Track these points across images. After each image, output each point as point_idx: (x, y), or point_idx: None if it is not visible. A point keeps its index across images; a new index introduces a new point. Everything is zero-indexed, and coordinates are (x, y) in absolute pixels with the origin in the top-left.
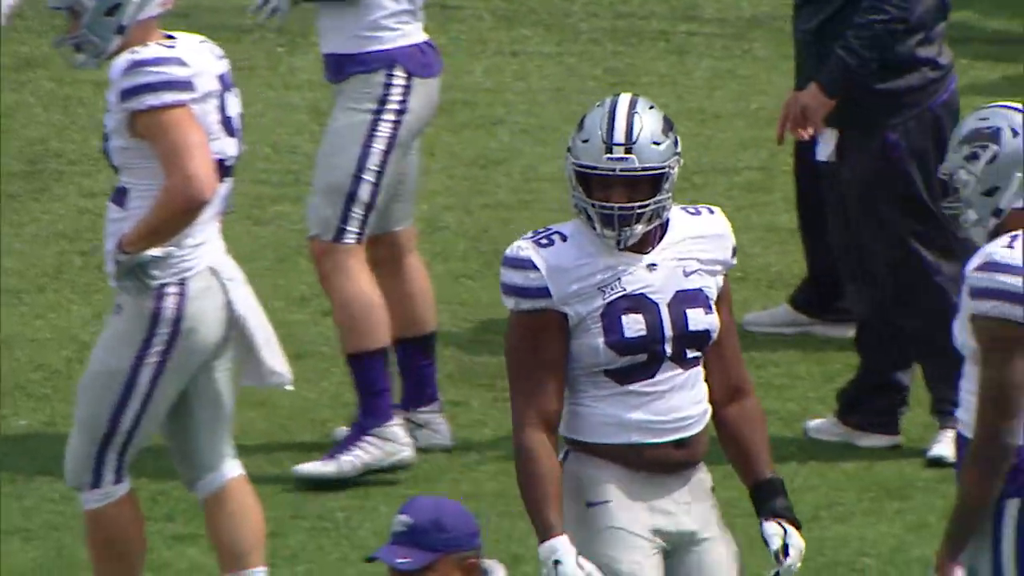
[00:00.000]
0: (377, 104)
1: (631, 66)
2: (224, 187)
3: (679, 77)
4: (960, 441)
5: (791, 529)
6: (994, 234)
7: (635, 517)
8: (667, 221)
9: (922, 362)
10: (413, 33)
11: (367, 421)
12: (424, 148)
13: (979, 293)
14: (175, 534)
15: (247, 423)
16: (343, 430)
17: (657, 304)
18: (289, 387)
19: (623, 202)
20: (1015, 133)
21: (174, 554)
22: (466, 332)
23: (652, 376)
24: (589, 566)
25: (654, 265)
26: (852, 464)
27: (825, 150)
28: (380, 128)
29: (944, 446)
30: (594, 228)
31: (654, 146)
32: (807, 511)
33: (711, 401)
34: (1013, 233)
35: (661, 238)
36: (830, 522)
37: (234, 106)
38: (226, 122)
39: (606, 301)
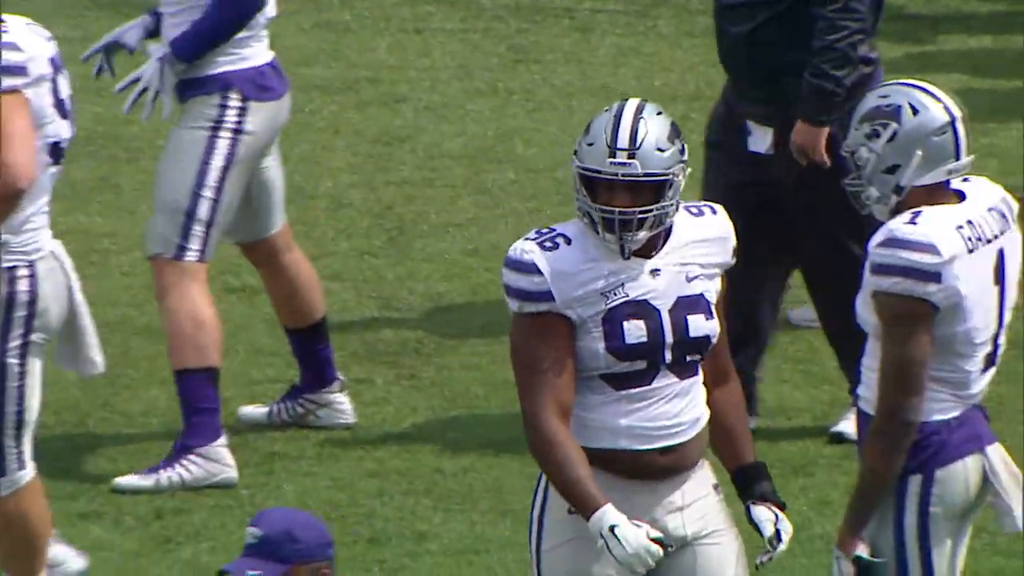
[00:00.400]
0: (213, 123)
1: (535, 43)
2: (57, 169)
3: (583, 54)
4: (861, 418)
5: (781, 514)
6: (896, 211)
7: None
8: (671, 224)
9: (839, 344)
10: (253, 56)
11: (191, 440)
12: (328, 126)
13: (881, 269)
14: (79, 512)
15: (150, 401)
16: (248, 409)
17: (659, 310)
18: (100, 373)
19: (625, 207)
20: (915, 111)
21: (78, 531)
22: (370, 309)
23: (648, 383)
24: (645, 525)
25: (657, 271)
26: (756, 442)
27: (760, 142)
28: (217, 146)
29: (848, 423)
30: (597, 232)
31: (658, 152)
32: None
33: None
34: (915, 209)
35: (665, 242)
36: (733, 499)
37: (65, 88)
38: (59, 104)
39: (608, 306)
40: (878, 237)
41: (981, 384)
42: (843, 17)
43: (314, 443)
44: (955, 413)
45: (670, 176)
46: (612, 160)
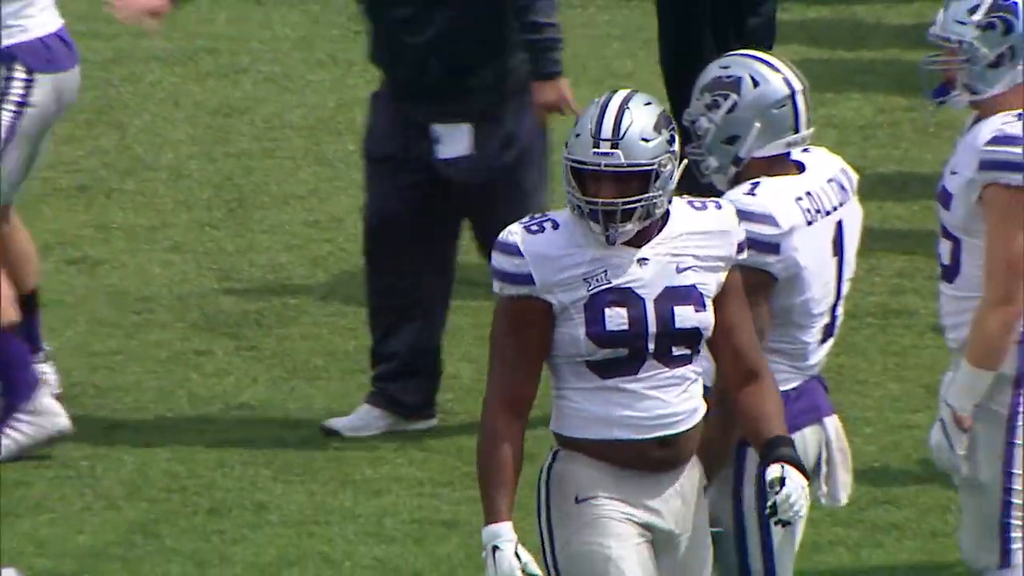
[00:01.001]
0: None
1: None
2: None
3: None
4: (705, 388)
5: (790, 468)
6: (735, 181)
7: (623, 509)
8: (668, 215)
9: None
10: (37, 27)
11: (12, 400)
12: (168, 97)
13: None
14: None
15: None
16: None
17: (643, 299)
18: None
19: (611, 197)
20: (756, 83)
21: None
22: (210, 281)
23: (635, 372)
24: (526, 556)
25: (645, 260)
26: None
27: (453, 146)
28: (1, 118)
29: None
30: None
31: (643, 142)
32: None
33: (727, 387)
34: (754, 180)
35: (659, 232)
36: None
37: None
38: None
39: (590, 292)
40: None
41: (819, 355)
42: None
43: (154, 414)
44: (794, 384)
45: (655, 166)
46: (596, 150)
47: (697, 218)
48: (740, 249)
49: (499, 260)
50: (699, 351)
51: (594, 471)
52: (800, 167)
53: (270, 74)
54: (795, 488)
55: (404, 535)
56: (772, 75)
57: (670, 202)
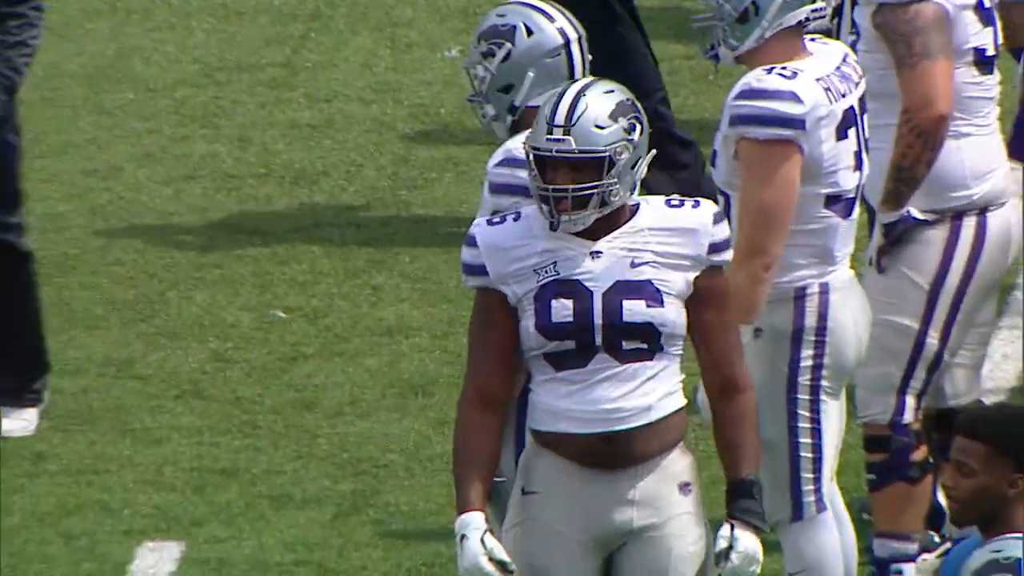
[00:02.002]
0: None
1: None
2: None
3: None
4: None
5: (740, 532)
6: (513, 130)
7: (562, 510)
8: (637, 209)
9: None
10: None
11: None
12: None
13: (499, 189)
14: None
15: None
16: None
17: (591, 292)
18: None
19: (564, 184)
20: (530, 32)
21: None
22: None
23: (584, 365)
24: (492, 542)
25: (599, 253)
26: (374, 360)
27: None
28: None
29: None
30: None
31: (596, 129)
32: (331, 408)
33: (708, 395)
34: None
35: (622, 226)
36: (354, 418)
37: None
38: None
39: (539, 284)
40: (496, 156)
41: None
42: None
43: None
44: None
45: (607, 154)
46: (548, 136)
47: (666, 214)
48: (713, 250)
49: (463, 252)
50: (663, 348)
51: (544, 463)
52: None
53: (48, 23)
54: (743, 558)
55: (183, 483)
56: (547, 24)
57: (634, 193)
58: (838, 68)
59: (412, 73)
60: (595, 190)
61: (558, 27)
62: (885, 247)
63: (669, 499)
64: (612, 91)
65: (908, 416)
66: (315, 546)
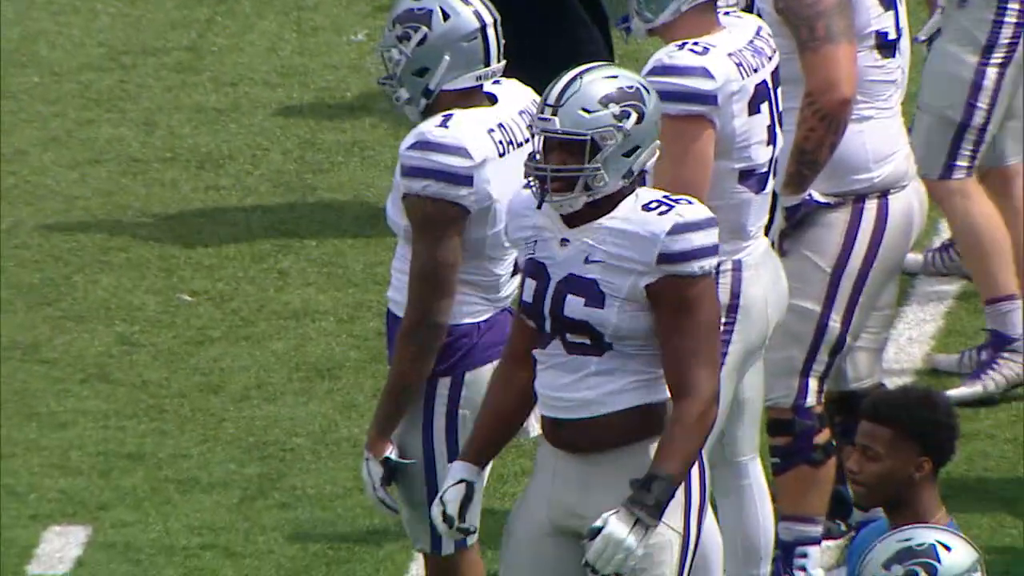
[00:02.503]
0: None
1: None
2: None
3: None
4: (390, 319)
5: (615, 518)
6: (427, 114)
7: (536, 486)
8: (617, 204)
9: None
10: None
11: None
12: None
13: (412, 172)
14: None
15: None
16: None
17: (550, 280)
18: None
19: (552, 164)
20: (447, 16)
21: None
22: None
23: (545, 347)
24: (451, 496)
25: (567, 241)
26: (281, 344)
27: None
28: None
29: None
30: None
31: (582, 112)
32: (237, 391)
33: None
34: (446, 113)
35: (600, 217)
36: (260, 402)
37: None
38: None
39: (526, 257)
40: (409, 139)
41: (511, 287)
42: None
43: None
44: (485, 316)
45: (589, 138)
46: (539, 115)
47: (631, 216)
48: (664, 260)
49: None
50: (612, 346)
51: (542, 440)
52: (492, 99)
53: None
54: (606, 541)
55: (90, 468)
56: (463, 8)
57: (628, 182)
58: (751, 42)
59: (318, 57)
60: (576, 173)
61: (474, 11)
62: (787, 230)
63: (624, 493)
64: (615, 77)
65: (811, 399)
66: (221, 530)
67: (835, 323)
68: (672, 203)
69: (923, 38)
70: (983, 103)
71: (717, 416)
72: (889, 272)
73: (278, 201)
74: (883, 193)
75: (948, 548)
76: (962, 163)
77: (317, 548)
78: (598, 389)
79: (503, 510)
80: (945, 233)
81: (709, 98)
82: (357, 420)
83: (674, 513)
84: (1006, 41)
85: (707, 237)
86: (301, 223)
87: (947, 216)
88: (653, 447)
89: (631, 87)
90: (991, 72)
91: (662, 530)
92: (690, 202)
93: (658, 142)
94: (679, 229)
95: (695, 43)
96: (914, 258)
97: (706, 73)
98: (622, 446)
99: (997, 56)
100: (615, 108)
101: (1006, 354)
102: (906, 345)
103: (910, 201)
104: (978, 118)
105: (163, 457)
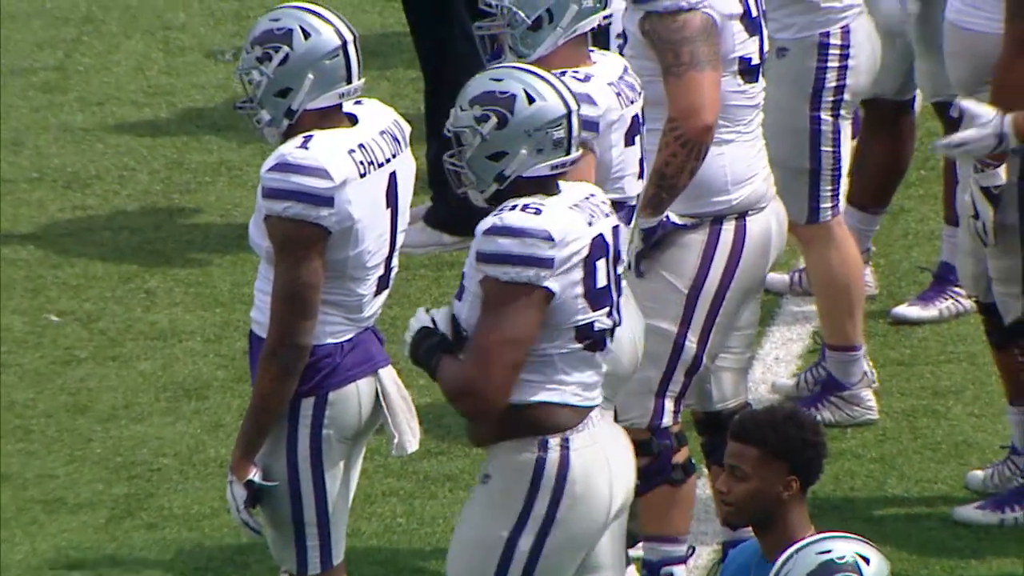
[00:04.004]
0: None
1: None
2: None
3: None
4: (253, 340)
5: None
6: (287, 135)
7: None
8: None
9: None
10: None
11: None
12: None
13: (273, 194)
14: None
15: None
16: None
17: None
18: None
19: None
20: (307, 35)
21: None
22: None
23: None
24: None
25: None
26: (148, 364)
27: None
28: None
29: None
30: None
31: (459, 109)
32: (105, 411)
33: None
34: (307, 134)
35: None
36: (127, 422)
37: None
38: None
39: None
40: (270, 161)
41: (374, 307)
42: None
43: None
44: (348, 336)
45: (451, 133)
46: None
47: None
48: (478, 258)
49: None
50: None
51: None
52: (353, 119)
53: None
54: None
55: None
56: (323, 26)
57: (499, 186)
58: (621, 77)
59: (185, 77)
60: (450, 166)
61: (334, 28)
62: (644, 251)
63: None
64: (497, 79)
65: (667, 419)
66: (89, 550)
67: (691, 343)
68: (511, 208)
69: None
70: (827, 147)
71: (472, 410)
72: (748, 292)
73: (145, 221)
74: (741, 215)
75: (867, 560)
76: (826, 204)
77: (184, 568)
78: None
79: (370, 531)
80: None
81: (592, 125)
82: (224, 440)
83: None
84: (832, 85)
85: (521, 246)
86: (168, 243)
87: (805, 258)
88: (515, 445)
89: (504, 92)
90: (825, 116)
91: None
92: (531, 209)
93: (526, 151)
94: (493, 231)
95: (576, 71)
96: (780, 278)
97: (589, 99)
98: (500, 441)
99: (827, 100)
100: (477, 110)
101: (833, 398)
102: (773, 365)
103: (768, 222)
104: (827, 160)
105: (29, 477)
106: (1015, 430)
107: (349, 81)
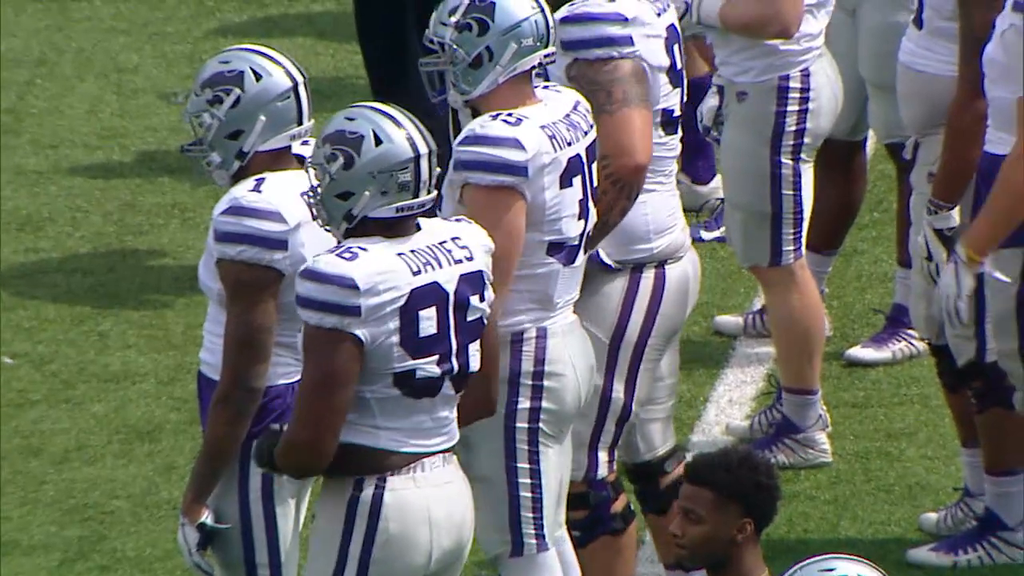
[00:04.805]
0: None
1: None
2: None
3: None
4: (203, 382)
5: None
6: (238, 176)
7: None
8: None
9: None
10: None
11: None
12: None
13: (226, 237)
14: None
15: None
16: None
17: None
18: None
19: None
20: (259, 76)
21: None
22: None
23: None
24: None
25: None
26: (101, 406)
27: None
28: None
29: None
30: None
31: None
32: (57, 454)
33: None
34: (259, 176)
35: None
36: (80, 464)
37: None
38: None
39: None
40: (222, 204)
41: None
42: None
43: None
44: (297, 377)
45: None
46: None
47: None
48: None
49: None
50: None
51: None
52: (302, 160)
53: None
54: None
55: None
56: (274, 68)
57: (348, 223)
58: (567, 116)
59: (138, 119)
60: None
61: (285, 70)
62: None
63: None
64: (351, 119)
65: (602, 471)
66: None
67: (618, 393)
68: (331, 250)
69: (707, 124)
70: (788, 191)
71: (296, 462)
72: (667, 339)
73: (98, 263)
74: (660, 263)
75: None
76: (788, 247)
77: None
78: None
79: None
80: (763, 297)
81: (519, 169)
82: (177, 482)
83: None
84: (792, 129)
85: (326, 292)
86: (121, 285)
87: (767, 301)
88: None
89: (353, 132)
90: (785, 160)
91: None
92: (348, 254)
93: (370, 192)
94: (304, 274)
95: (508, 114)
96: (734, 320)
97: (517, 144)
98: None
99: (787, 144)
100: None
101: (788, 440)
102: (727, 407)
103: (685, 270)
104: (788, 204)
105: None
106: (968, 472)
107: (300, 123)
